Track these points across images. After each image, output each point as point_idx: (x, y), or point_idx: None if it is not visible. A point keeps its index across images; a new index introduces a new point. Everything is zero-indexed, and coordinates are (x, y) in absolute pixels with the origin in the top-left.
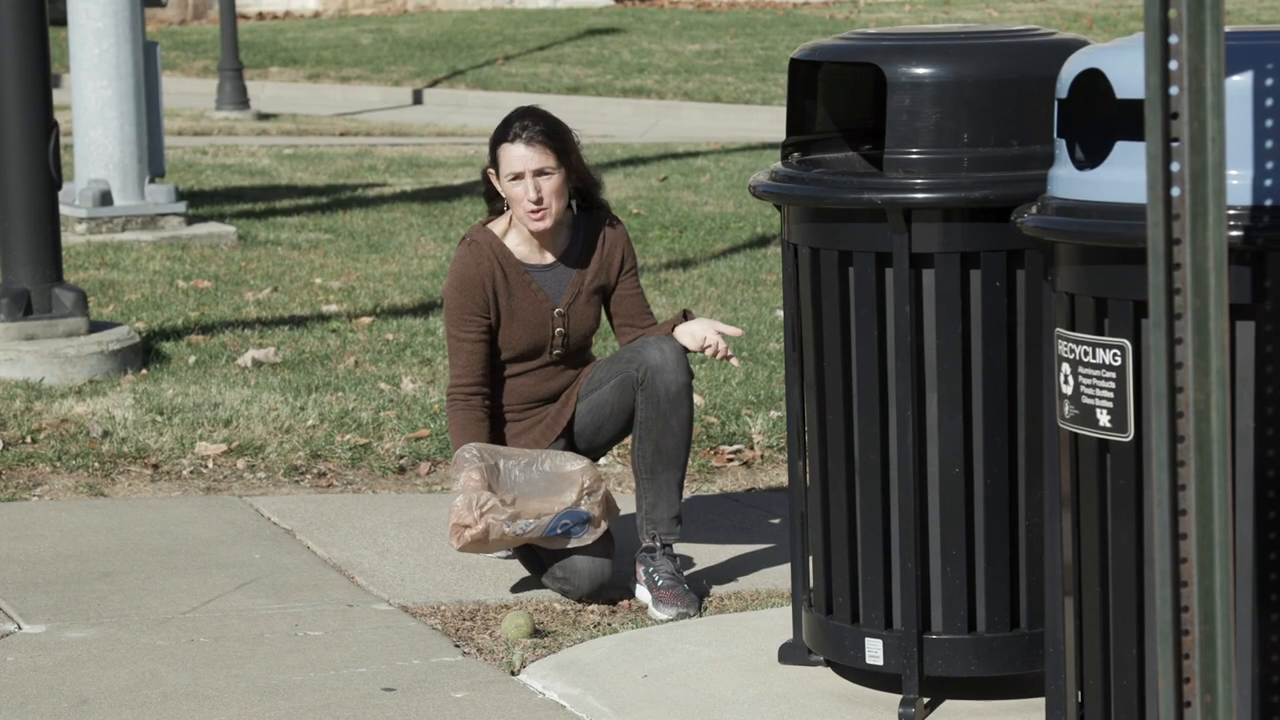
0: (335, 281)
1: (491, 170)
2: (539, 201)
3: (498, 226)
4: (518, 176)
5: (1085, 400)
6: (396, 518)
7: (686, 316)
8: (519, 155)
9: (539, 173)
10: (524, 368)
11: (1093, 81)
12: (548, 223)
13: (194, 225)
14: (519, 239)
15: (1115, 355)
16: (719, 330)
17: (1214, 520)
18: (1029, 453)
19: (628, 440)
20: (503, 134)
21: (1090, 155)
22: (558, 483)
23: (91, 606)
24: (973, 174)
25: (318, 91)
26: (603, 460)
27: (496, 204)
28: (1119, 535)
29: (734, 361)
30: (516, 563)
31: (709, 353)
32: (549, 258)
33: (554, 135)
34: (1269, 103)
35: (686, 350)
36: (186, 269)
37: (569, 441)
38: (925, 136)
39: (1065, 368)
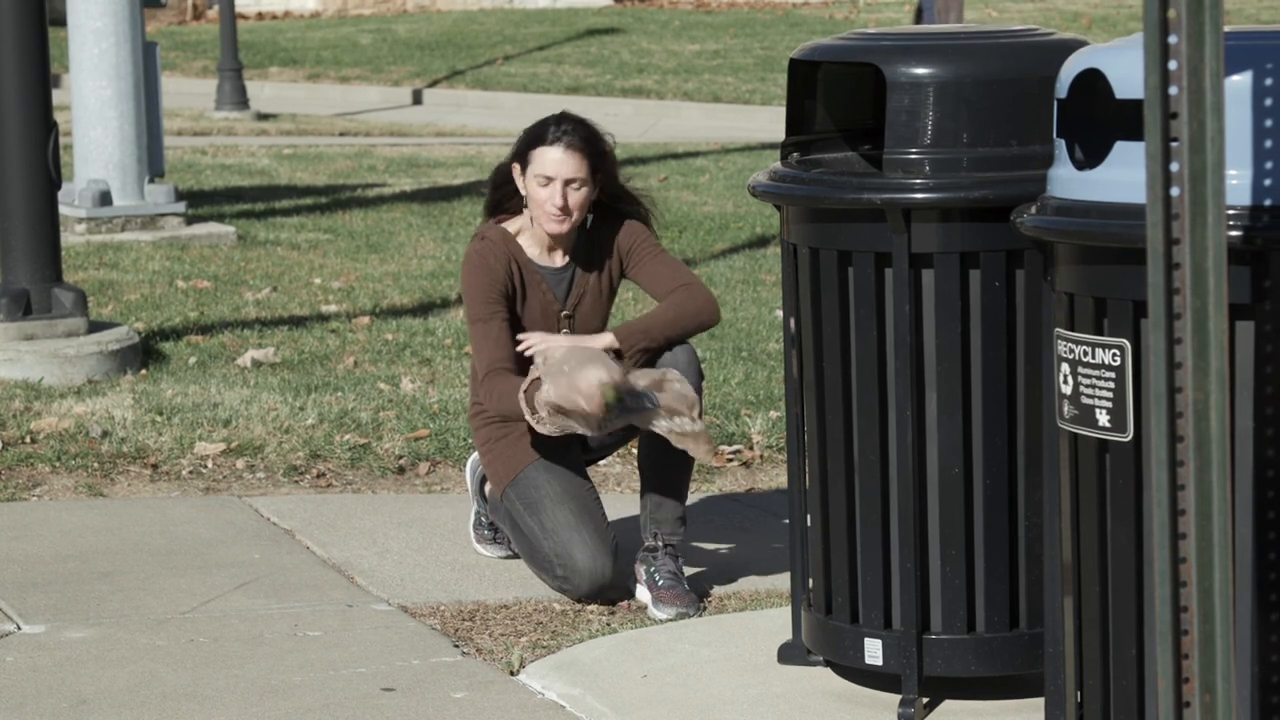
0: (335, 281)
1: (516, 165)
2: (563, 209)
3: (511, 226)
4: (549, 180)
5: (1085, 400)
6: (396, 518)
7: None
8: (554, 160)
9: (569, 182)
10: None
11: (1092, 81)
12: (565, 228)
13: (193, 225)
14: (530, 239)
15: (1115, 355)
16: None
17: (1213, 520)
18: (1028, 453)
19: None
20: (540, 135)
21: (1090, 155)
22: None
23: (91, 607)
24: (972, 174)
25: (317, 91)
26: (604, 460)
27: (500, 206)
28: (1118, 535)
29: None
30: (516, 563)
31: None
32: (559, 260)
33: (592, 147)
34: (1268, 102)
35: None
36: (186, 269)
37: (581, 439)
38: (925, 136)
39: (1065, 368)
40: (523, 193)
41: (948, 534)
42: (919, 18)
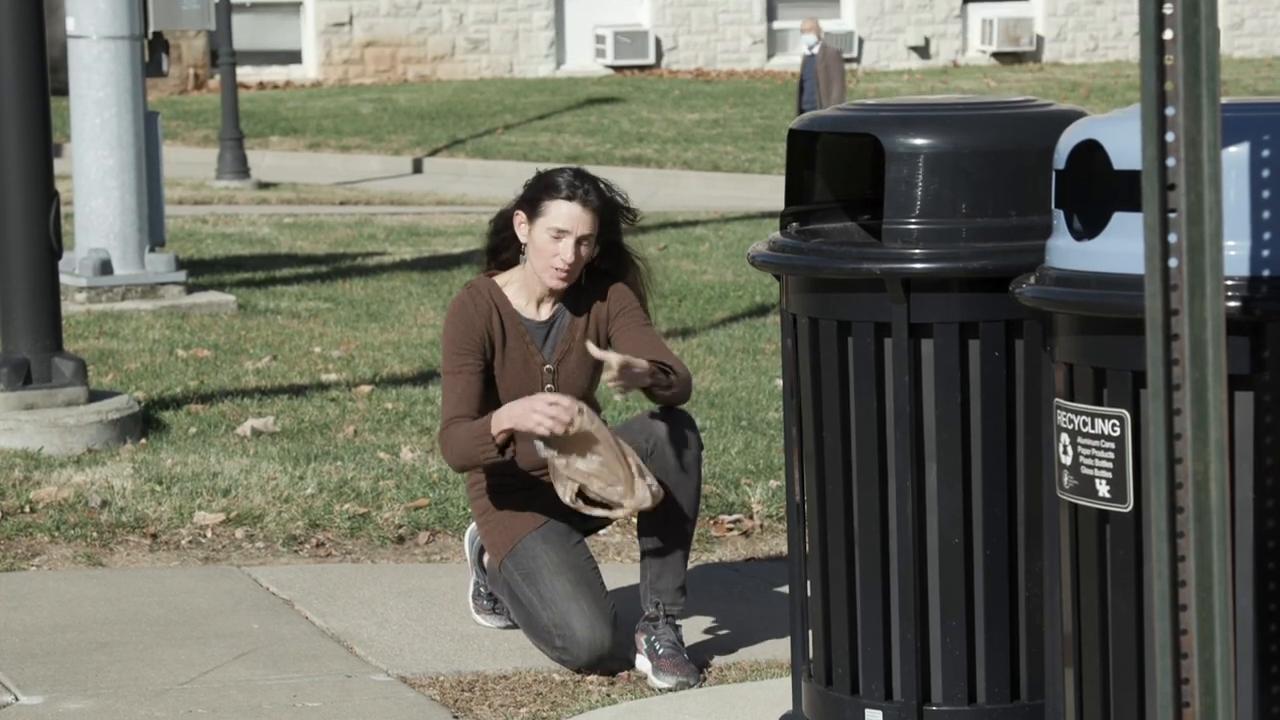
0: (335, 350)
1: (521, 213)
2: (572, 265)
3: (500, 278)
4: (561, 234)
5: (1084, 470)
6: (395, 588)
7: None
8: (571, 215)
9: (582, 239)
10: None
11: (1090, 152)
12: (565, 285)
13: (194, 294)
14: (519, 290)
15: (1114, 425)
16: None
17: (1214, 591)
18: (1028, 523)
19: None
20: (555, 187)
21: (1088, 226)
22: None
23: (89, 677)
24: (971, 244)
25: (318, 161)
26: (603, 530)
27: (498, 251)
28: (1119, 606)
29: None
30: (515, 633)
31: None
32: (545, 313)
33: (608, 211)
34: (1265, 173)
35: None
36: (186, 338)
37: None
38: (924, 207)
39: (1064, 438)
40: (523, 240)
41: (948, 604)
42: (801, 95)
